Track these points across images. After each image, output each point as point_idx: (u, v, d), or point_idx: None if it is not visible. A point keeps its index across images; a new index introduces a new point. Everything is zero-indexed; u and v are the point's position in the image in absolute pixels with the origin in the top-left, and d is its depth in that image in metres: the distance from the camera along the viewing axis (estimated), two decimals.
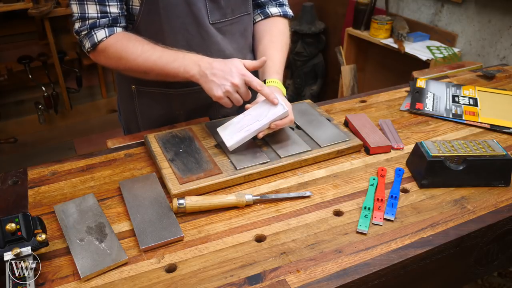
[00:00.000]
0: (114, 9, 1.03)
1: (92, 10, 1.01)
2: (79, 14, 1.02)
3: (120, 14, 1.05)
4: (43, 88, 2.93)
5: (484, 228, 0.87)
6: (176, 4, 1.04)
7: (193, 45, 1.10)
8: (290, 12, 1.27)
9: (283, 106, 0.99)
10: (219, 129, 1.03)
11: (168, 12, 1.05)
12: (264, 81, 1.11)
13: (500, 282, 1.78)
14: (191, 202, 0.88)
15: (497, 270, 1.56)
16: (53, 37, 2.73)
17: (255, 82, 0.98)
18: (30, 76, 2.82)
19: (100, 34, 1.03)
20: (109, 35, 1.03)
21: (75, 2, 1.01)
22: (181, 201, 0.88)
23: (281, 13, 1.25)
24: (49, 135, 3.15)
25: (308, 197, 0.94)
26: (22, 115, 3.07)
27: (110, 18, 1.03)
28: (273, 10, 1.25)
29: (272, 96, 0.99)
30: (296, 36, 3.08)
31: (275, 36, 1.21)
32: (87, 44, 1.04)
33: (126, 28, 1.08)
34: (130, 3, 1.06)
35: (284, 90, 1.11)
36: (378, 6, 2.63)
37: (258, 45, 1.22)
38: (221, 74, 0.98)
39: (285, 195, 0.94)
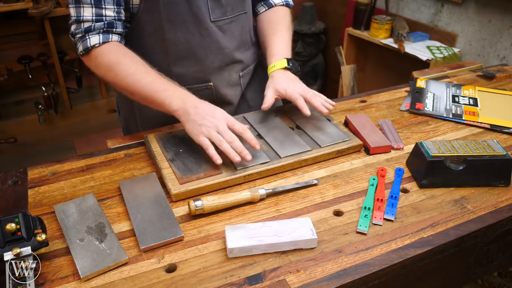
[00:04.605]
0: (110, 12, 1.02)
1: (87, 13, 1.00)
2: (75, 17, 1.01)
3: (116, 18, 1.04)
4: (43, 88, 2.93)
5: (484, 228, 0.87)
6: (176, 2, 1.05)
7: (193, 43, 1.11)
8: (291, 1, 1.35)
9: (313, 233, 0.82)
10: (227, 228, 0.83)
11: (169, 10, 1.05)
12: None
13: (500, 282, 1.78)
14: (208, 202, 0.88)
15: (497, 270, 1.56)
16: (53, 37, 2.73)
17: (238, 125, 0.96)
18: (30, 76, 2.82)
19: (94, 39, 1.01)
20: (103, 42, 1.02)
21: (72, 6, 1.01)
22: (198, 202, 0.87)
23: (284, 3, 1.32)
24: (49, 135, 3.15)
25: (315, 185, 0.97)
26: (22, 115, 3.08)
27: (105, 22, 1.02)
28: (276, 0, 1.31)
29: (254, 142, 0.96)
30: (296, 36, 3.08)
31: (274, 23, 1.27)
32: (80, 48, 1.03)
33: (122, 35, 1.07)
34: (130, 2, 1.06)
35: (284, 64, 1.15)
36: (378, 6, 2.63)
37: (260, 35, 1.28)
38: (203, 115, 0.95)
39: (293, 185, 0.96)
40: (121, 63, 1.01)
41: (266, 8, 1.30)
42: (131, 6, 1.07)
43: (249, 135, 0.96)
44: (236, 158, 0.94)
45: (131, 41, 1.12)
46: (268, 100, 1.10)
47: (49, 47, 2.77)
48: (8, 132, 3.01)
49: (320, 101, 1.11)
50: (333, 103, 1.13)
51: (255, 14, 1.31)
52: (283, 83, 1.11)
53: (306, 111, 1.07)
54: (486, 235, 0.90)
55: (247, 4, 1.20)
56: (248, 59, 1.27)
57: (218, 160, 0.94)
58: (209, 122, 0.95)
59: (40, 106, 3.00)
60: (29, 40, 2.87)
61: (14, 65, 2.80)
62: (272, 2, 1.30)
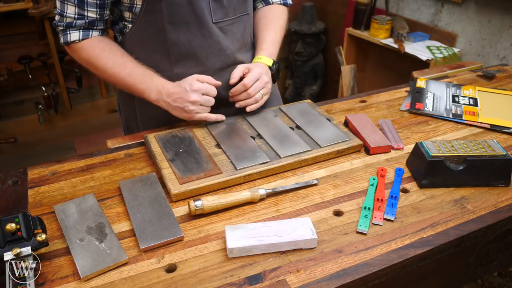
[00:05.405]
0: (92, 14, 1.06)
1: (70, 10, 1.05)
2: (59, 11, 1.06)
3: (98, 18, 1.08)
4: (43, 88, 2.92)
5: (484, 228, 0.87)
6: (179, 3, 1.05)
7: (195, 44, 1.11)
8: (289, 1, 1.36)
9: (313, 233, 0.82)
10: (227, 228, 0.83)
11: (171, 11, 1.05)
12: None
13: (500, 282, 1.78)
14: (208, 202, 0.88)
15: (497, 270, 1.56)
16: (53, 37, 2.73)
17: (212, 92, 1.07)
18: (30, 76, 2.81)
19: (74, 35, 1.07)
20: (83, 39, 1.08)
21: None
22: (198, 202, 0.87)
23: (281, 1, 1.34)
24: (49, 135, 3.15)
25: (315, 185, 0.97)
26: (22, 115, 3.07)
27: (87, 20, 1.06)
28: None
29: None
30: (296, 36, 3.08)
31: (269, 19, 1.29)
32: (61, 40, 1.09)
33: (103, 30, 1.12)
34: (134, 3, 1.07)
35: (270, 63, 1.19)
36: (378, 6, 2.63)
37: (255, 29, 1.30)
38: (181, 99, 1.05)
39: (293, 185, 0.96)
40: (100, 58, 1.08)
41: (263, 5, 1.32)
42: (134, 6, 1.07)
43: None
44: (219, 119, 1.12)
45: (132, 41, 1.13)
46: (235, 74, 1.13)
47: (49, 47, 2.77)
48: (8, 132, 3.01)
49: (248, 102, 1.13)
50: (254, 109, 1.16)
51: (253, 10, 1.32)
52: (254, 67, 1.15)
53: (231, 80, 1.13)
54: (486, 235, 0.90)
55: (248, 5, 1.21)
56: (249, 60, 1.27)
57: (221, 117, 1.13)
58: (189, 103, 1.05)
59: (40, 106, 3.00)
60: (29, 40, 2.86)
61: (14, 65, 2.80)
62: (270, 0, 1.31)
